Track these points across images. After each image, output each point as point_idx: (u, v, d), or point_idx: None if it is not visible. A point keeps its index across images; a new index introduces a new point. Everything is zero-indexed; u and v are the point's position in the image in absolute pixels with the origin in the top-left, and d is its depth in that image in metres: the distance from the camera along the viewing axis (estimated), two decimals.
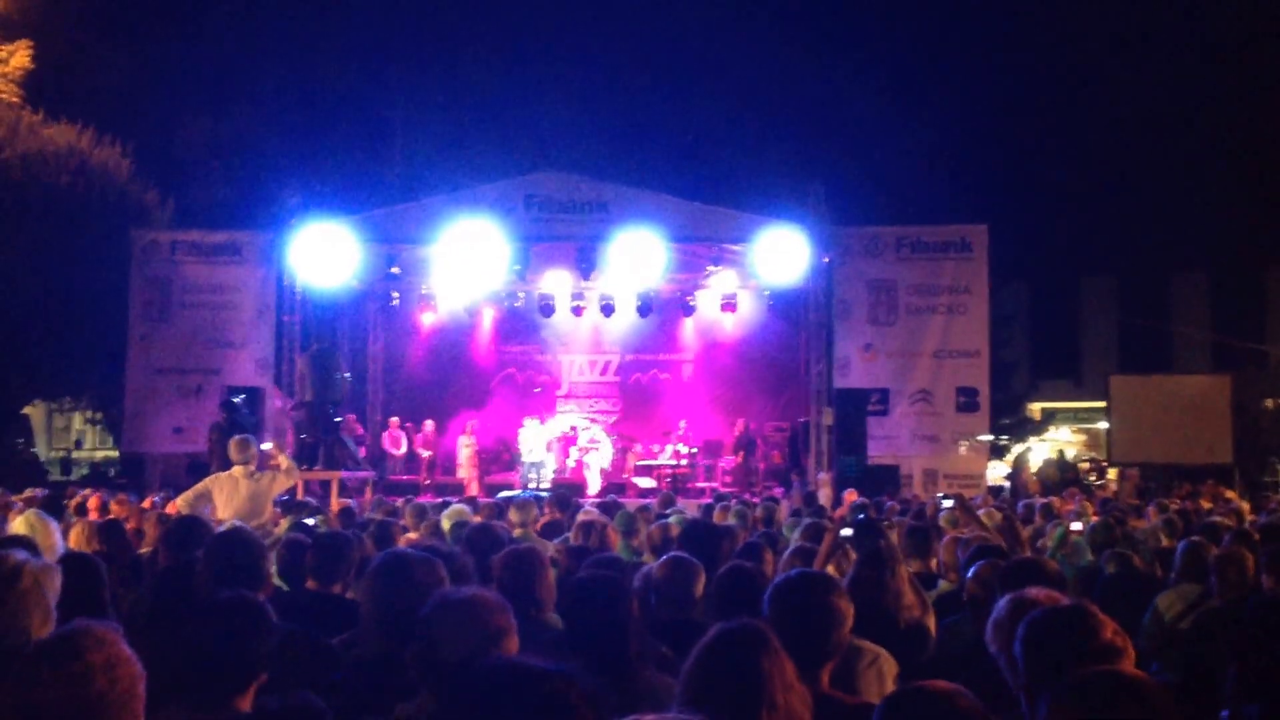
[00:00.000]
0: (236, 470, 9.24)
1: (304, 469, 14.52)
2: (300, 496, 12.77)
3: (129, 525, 9.22)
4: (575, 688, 2.03)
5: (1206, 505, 14.51)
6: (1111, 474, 25.81)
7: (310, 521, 7.91)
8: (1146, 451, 22.55)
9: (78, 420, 36.42)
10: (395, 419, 22.68)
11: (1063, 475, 24.01)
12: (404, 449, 22.36)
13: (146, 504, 12.05)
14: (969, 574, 5.12)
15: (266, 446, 13.50)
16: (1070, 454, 35.03)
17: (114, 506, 10.55)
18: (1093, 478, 25.87)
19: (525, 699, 1.99)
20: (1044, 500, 14.58)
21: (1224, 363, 31.91)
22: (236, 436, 9.86)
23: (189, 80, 28.75)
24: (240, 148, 28.62)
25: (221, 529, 6.70)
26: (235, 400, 16.82)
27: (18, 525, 7.07)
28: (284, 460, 9.92)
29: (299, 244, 19.03)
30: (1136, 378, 25.95)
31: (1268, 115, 36.63)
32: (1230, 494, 17.77)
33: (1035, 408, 38.85)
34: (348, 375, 18.59)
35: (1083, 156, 40.72)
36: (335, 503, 13.30)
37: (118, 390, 20.93)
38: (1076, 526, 8.98)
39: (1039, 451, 35.67)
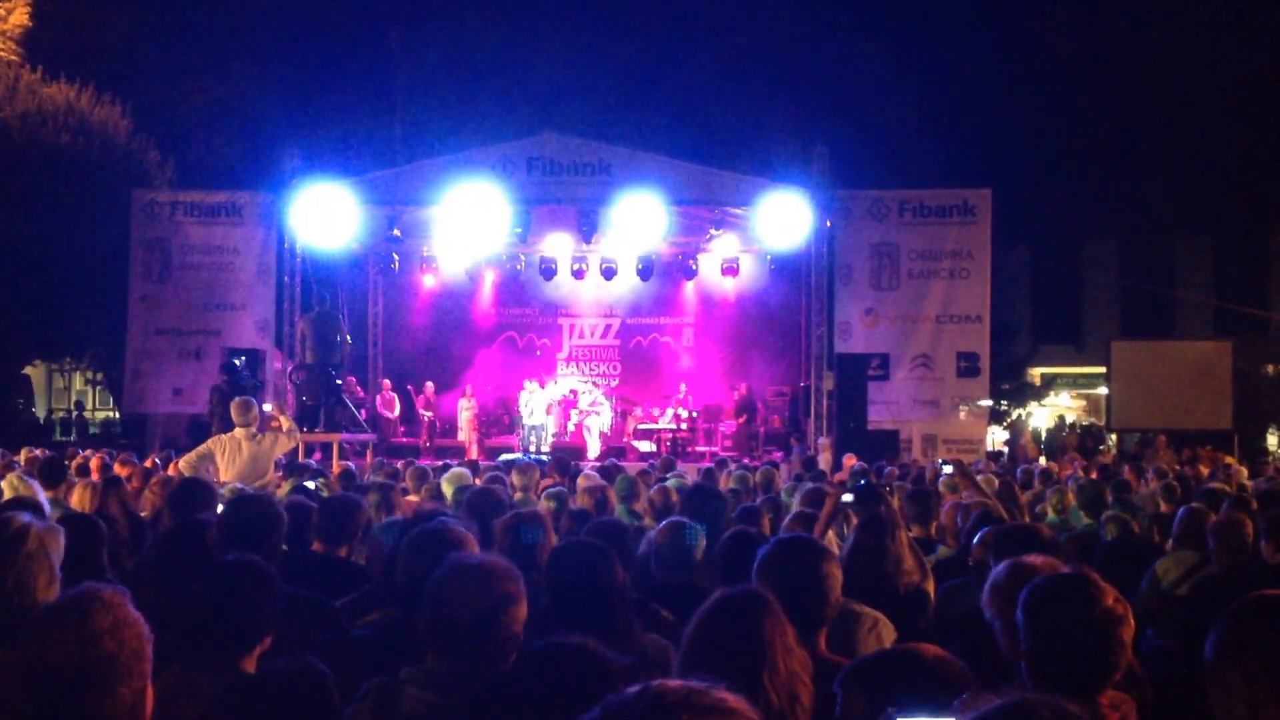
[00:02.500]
0: (238, 432, 9.27)
1: (305, 431, 14.57)
2: (301, 459, 12.84)
3: (132, 486, 9.26)
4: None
5: (1205, 471, 14.56)
6: (1112, 439, 25.89)
7: (311, 484, 7.93)
8: (1147, 417, 22.56)
9: (78, 381, 36.47)
10: (388, 381, 22.70)
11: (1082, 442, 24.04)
12: (397, 412, 22.36)
13: (147, 464, 12.09)
14: (974, 540, 5.15)
15: (268, 408, 13.54)
16: (1070, 419, 35.14)
17: (117, 467, 10.57)
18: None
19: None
20: (1043, 465, 14.65)
21: (1226, 328, 31.88)
22: (238, 398, 9.89)
23: (190, 39, 28.58)
24: (241, 108, 28.49)
25: (226, 492, 6.74)
26: (236, 362, 16.84)
27: (3, 487, 7.11)
28: (285, 422, 9.93)
29: (299, 205, 18.97)
30: (1137, 343, 25.91)
31: (1274, 80, 36.44)
32: (1230, 460, 17.80)
33: (1035, 373, 38.83)
34: (348, 338, 18.59)
35: (1086, 120, 40.52)
36: (336, 465, 13.35)
37: (118, 351, 20.97)
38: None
39: (1039, 417, 35.77)
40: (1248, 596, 2.49)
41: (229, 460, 9.12)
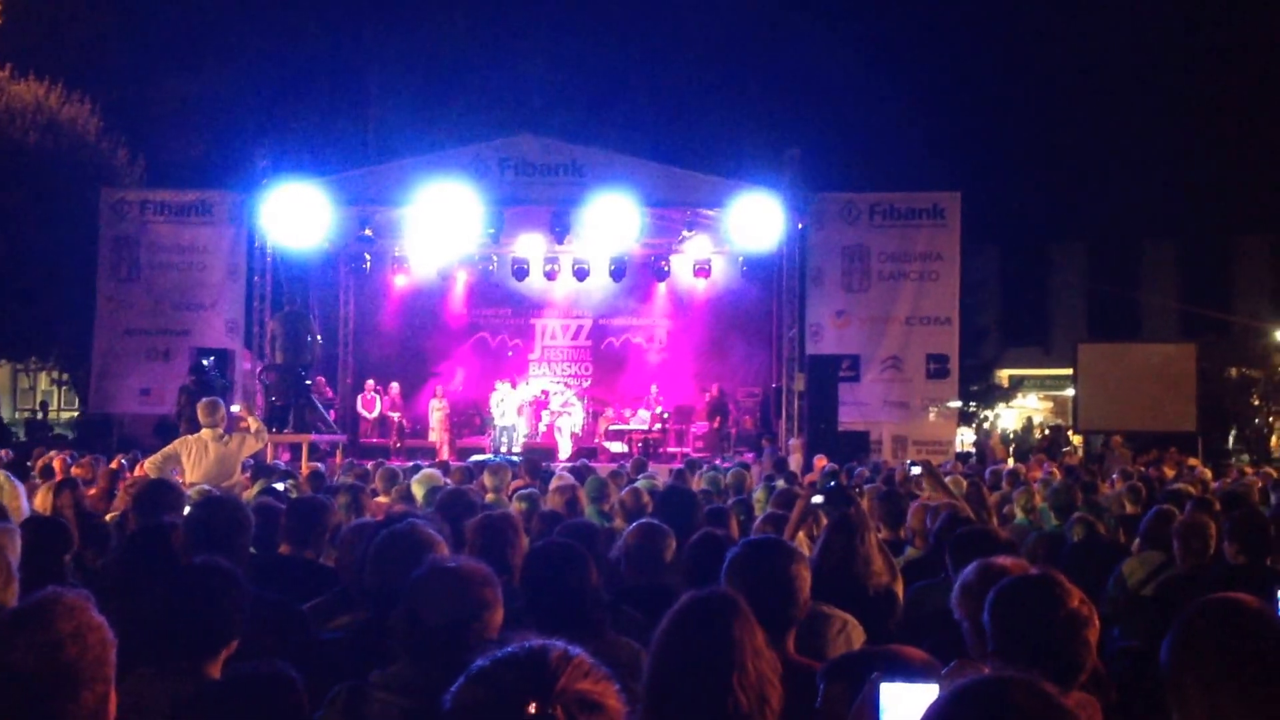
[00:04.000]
0: (205, 433, 9.20)
1: (274, 432, 14.50)
2: (270, 460, 12.77)
3: (96, 487, 9.20)
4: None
5: (1170, 473, 14.68)
6: (1077, 440, 26.06)
7: (280, 485, 7.89)
8: (1113, 419, 22.71)
9: (44, 381, 36.13)
10: (371, 381, 22.60)
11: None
12: (376, 412, 22.29)
13: (113, 465, 12.00)
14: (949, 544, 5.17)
15: (236, 409, 13.46)
16: (1037, 420, 35.37)
17: (77, 469, 10.49)
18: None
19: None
20: (1011, 467, 14.73)
21: (1190, 331, 32.16)
22: (205, 399, 9.82)
23: (160, 37, 28.44)
24: (212, 107, 28.36)
25: (193, 494, 6.70)
26: (204, 362, 16.73)
27: None
28: (253, 423, 9.87)
29: (270, 205, 18.88)
30: (1104, 345, 26.09)
31: (1238, 86, 36.82)
32: (1194, 461, 17.95)
33: (1004, 374, 39.05)
34: (319, 338, 18.50)
35: (1055, 126, 40.83)
36: (305, 466, 13.28)
37: (85, 351, 20.79)
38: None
39: (1006, 418, 35.99)
40: (1202, 600, 2.51)
41: (195, 461, 9.05)
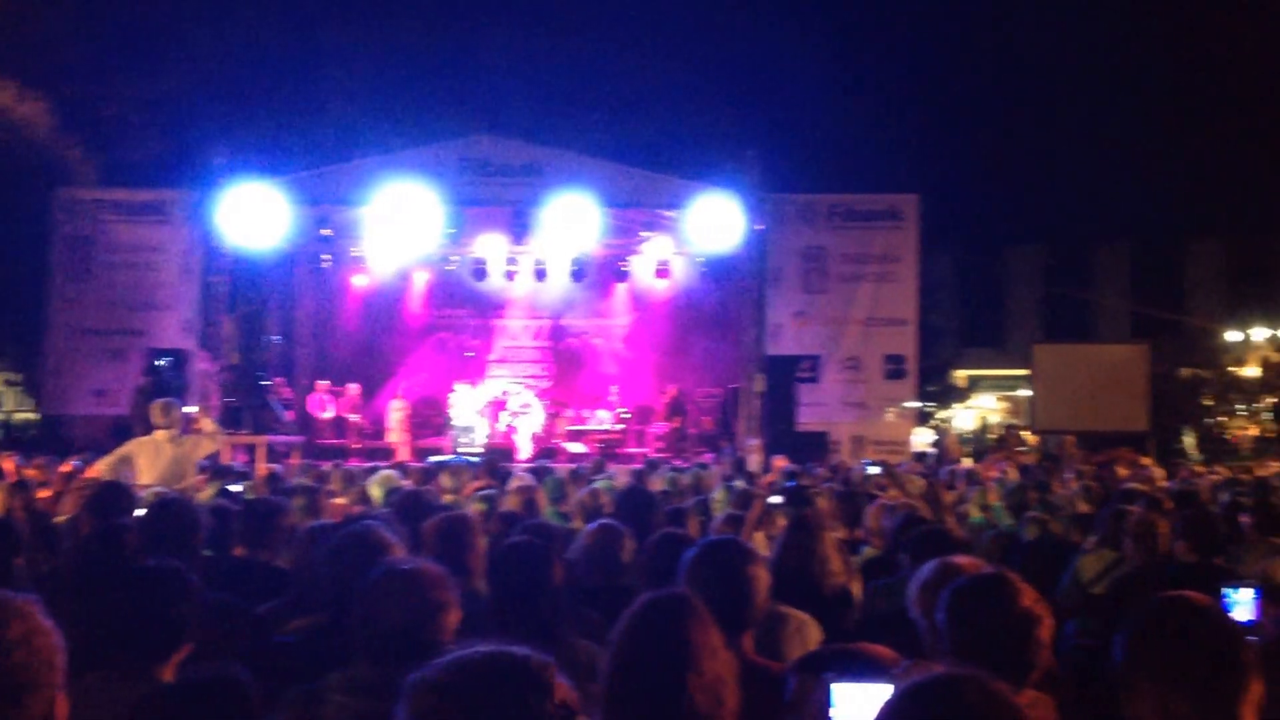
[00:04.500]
0: (159, 434, 9.12)
1: (230, 433, 14.41)
2: (226, 461, 12.67)
3: (48, 490, 9.08)
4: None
5: (1123, 472, 14.82)
6: (1031, 440, 26.26)
7: (236, 487, 7.83)
8: (1067, 419, 22.89)
9: None
10: (324, 382, 22.44)
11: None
12: (330, 413, 22.14)
13: (66, 468, 11.85)
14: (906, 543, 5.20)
15: (191, 410, 13.34)
16: (994, 421, 35.65)
17: (30, 470, 10.35)
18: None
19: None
20: (968, 466, 14.84)
21: (1143, 332, 32.52)
22: (160, 399, 9.73)
23: (115, 34, 28.08)
24: (167, 105, 28.05)
25: (147, 495, 6.63)
26: (160, 362, 16.61)
27: None
28: (208, 424, 9.79)
29: (227, 204, 18.71)
30: (1058, 346, 26.34)
31: (1191, 91, 37.27)
32: (1146, 460, 18.13)
33: (961, 375, 39.33)
34: (276, 338, 18.38)
35: (1011, 129, 41.13)
36: (262, 467, 13.18)
37: (38, 351, 20.55)
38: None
39: (963, 418, 36.25)
40: (1153, 599, 2.54)
41: (150, 463, 8.96)
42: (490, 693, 1.84)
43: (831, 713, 2.20)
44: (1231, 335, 33.96)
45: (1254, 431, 32.06)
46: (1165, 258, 38.57)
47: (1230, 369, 33.21)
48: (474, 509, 7.11)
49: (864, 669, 2.51)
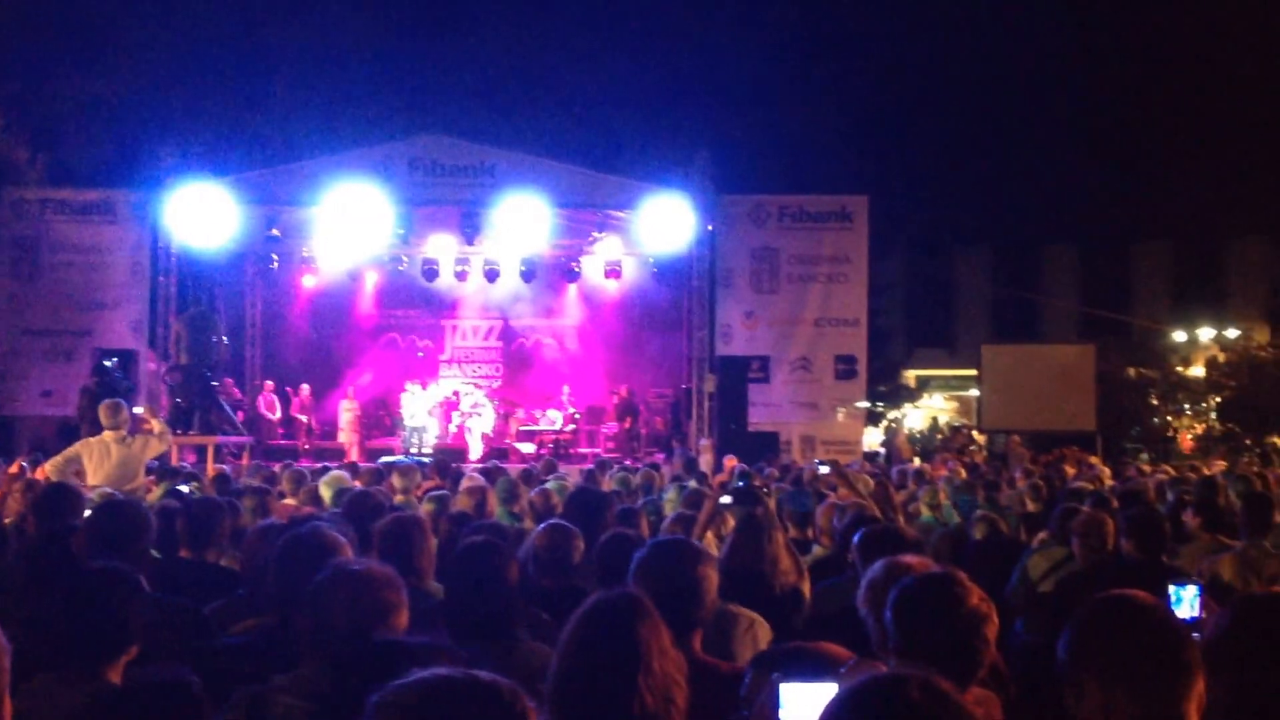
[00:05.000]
0: (107, 435, 9.03)
1: (179, 434, 14.28)
2: (175, 462, 12.55)
3: None
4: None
5: (1071, 471, 14.98)
6: (980, 439, 26.51)
7: (185, 488, 7.76)
8: (1015, 419, 23.12)
9: None
10: (271, 383, 22.29)
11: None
12: (280, 413, 22.00)
13: (13, 469, 11.69)
14: (854, 541, 5.23)
15: (139, 410, 13.20)
16: (943, 420, 35.95)
17: None
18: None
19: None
20: (917, 465, 14.96)
21: (1089, 332, 32.93)
22: (107, 400, 9.64)
23: (61, 32, 27.72)
24: (114, 104, 27.68)
25: (94, 496, 6.56)
26: (107, 363, 16.40)
27: None
28: (157, 424, 9.70)
29: (175, 204, 18.55)
30: (1006, 346, 26.56)
31: (1138, 95, 37.75)
32: (1094, 459, 18.34)
33: (910, 375, 39.67)
34: (225, 338, 18.22)
35: (960, 132, 41.53)
36: (211, 468, 13.07)
37: None
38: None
39: (913, 418, 36.53)
40: (1097, 597, 2.58)
41: (97, 464, 8.88)
42: None
43: (780, 713, 2.21)
44: (1177, 336, 34.43)
45: (1200, 430, 32.53)
46: (1112, 259, 39.11)
47: (1176, 369, 33.68)
48: (424, 509, 7.09)
49: (816, 668, 2.52)
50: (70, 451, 9.04)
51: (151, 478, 9.74)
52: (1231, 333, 33.35)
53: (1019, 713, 3.42)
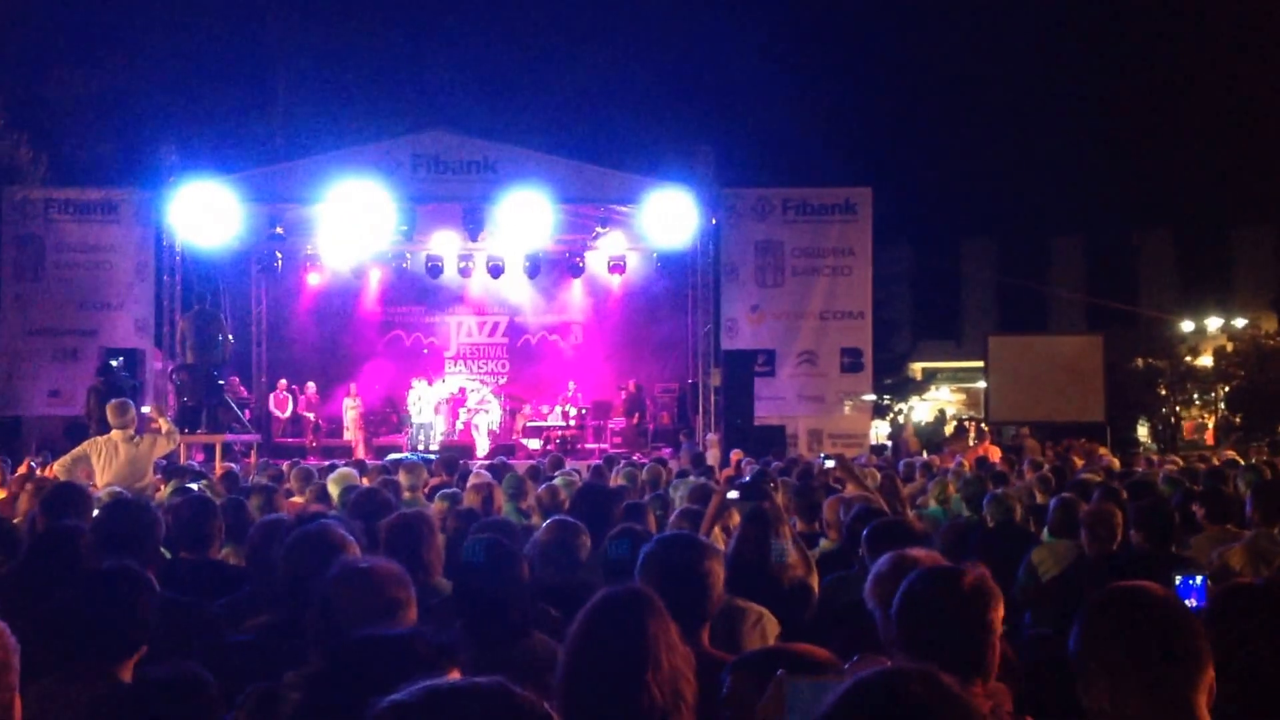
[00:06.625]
0: (115, 434, 9.06)
1: (186, 433, 14.28)
2: (183, 460, 12.57)
3: (3, 490, 8.98)
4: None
5: (1079, 462, 14.95)
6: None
7: (193, 487, 7.77)
8: (1023, 410, 23.06)
9: None
10: (279, 381, 22.33)
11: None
12: (287, 411, 22.04)
13: (21, 469, 11.72)
14: (862, 535, 5.21)
15: (146, 409, 13.22)
16: (950, 413, 35.90)
17: None
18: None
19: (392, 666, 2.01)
20: (924, 458, 14.93)
21: (1097, 323, 32.88)
22: (115, 399, 9.67)
23: (62, 31, 27.75)
24: (117, 103, 27.71)
25: (103, 495, 6.57)
26: (114, 362, 16.43)
27: None
28: (164, 424, 9.73)
29: (179, 203, 18.59)
30: (1013, 337, 26.48)
31: (1143, 84, 37.67)
32: (1103, 450, 18.29)
33: (917, 367, 39.62)
34: (231, 337, 18.24)
35: (965, 122, 41.46)
36: (219, 467, 13.09)
37: None
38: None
39: (920, 411, 36.48)
40: (1107, 588, 2.57)
41: (105, 463, 8.90)
42: None
43: (787, 710, 2.21)
44: (1185, 325, 34.35)
45: (1209, 420, 32.47)
46: (1119, 249, 38.99)
47: (1185, 359, 33.61)
48: (436, 507, 7.10)
49: (801, 670, 2.52)
50: (78, 451, 9.07)
51: (159, 476, 9.76)
52: (1239, 322, 33.26)
53: (1028, 704, 3.42)
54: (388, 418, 22.54)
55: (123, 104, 27.83)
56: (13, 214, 19.55)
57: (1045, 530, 7.14)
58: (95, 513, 5.21)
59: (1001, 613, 3.01)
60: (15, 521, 7.37)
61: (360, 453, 20.05)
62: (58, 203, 19.77)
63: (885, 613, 3.29)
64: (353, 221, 18.67)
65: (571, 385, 22.15)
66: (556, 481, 8.01)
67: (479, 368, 23.80)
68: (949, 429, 26.51)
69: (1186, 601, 3.48)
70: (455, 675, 1.99)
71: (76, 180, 22.27)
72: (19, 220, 19.55)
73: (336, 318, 23.63)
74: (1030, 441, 20.46)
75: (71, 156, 25.28)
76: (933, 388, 39.67)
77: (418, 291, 23.40)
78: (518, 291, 23.21)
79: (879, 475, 8.81)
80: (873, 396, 21.21)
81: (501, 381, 23.49)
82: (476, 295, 23.54)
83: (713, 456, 16.20)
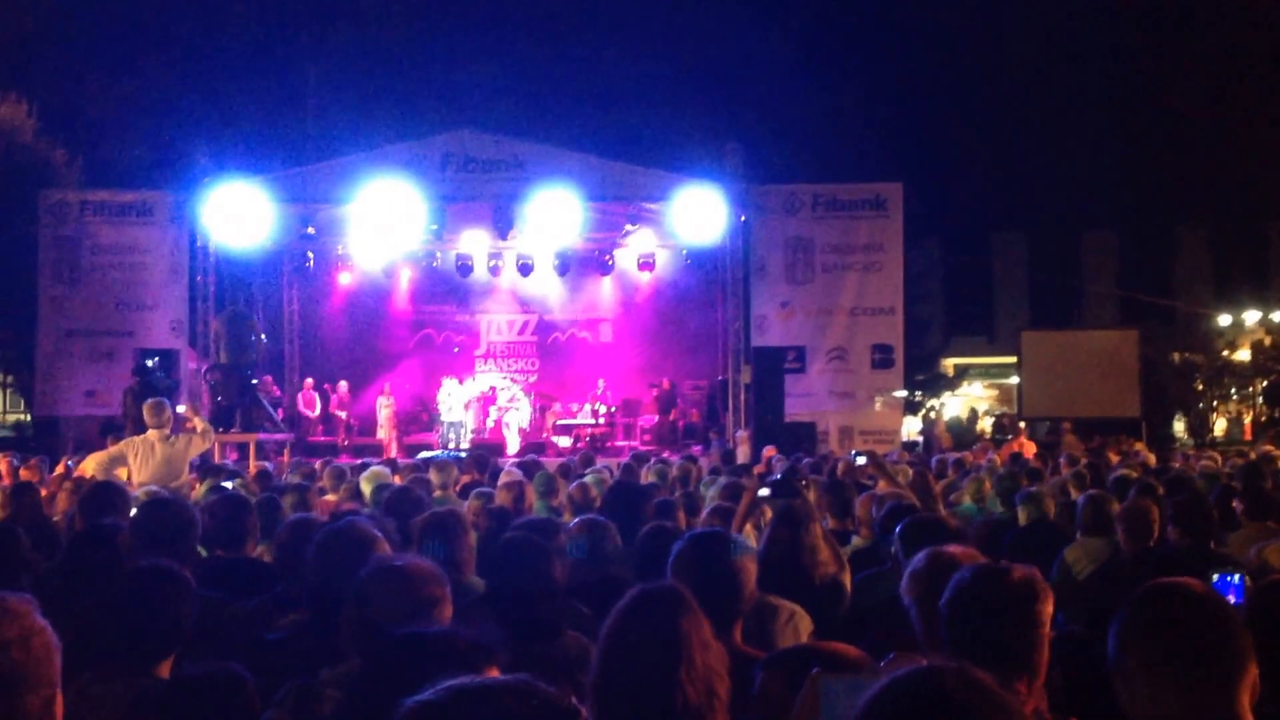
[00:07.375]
0: (151, 434, 9.13)
1: (220, 432, 14.39)
2: (217, 459, 12.67)
3: (43, 490, 9.07)
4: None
5: (1114, 458, 14.85)
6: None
7: (228, 485, 7.82)
8: (1057, 406, 22.92)
9: None
10: (310, 380, 22.47)
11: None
12: (319, 410, 22.18)
13: (59, 468, 11.84)
14: (896, 531, 5.20)
15: (182, 409, 13.34)
16: (982, 409, 35.72)
17: (24, 472, 10.36)
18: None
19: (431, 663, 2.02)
20: (956, 455, 14.86)
21: (1131, 318, 32.59)
22: (150, 399, 9.74)
23: (96, 35, 28.00)
24: (150, 105, 27.99)
25: (140, 494, 6.63)
26: (149, 363, 16.58)
27: None
28: (200, 423, 9.81)
29: (211, 204, 18.72)
30: (1046, 333, 26.31)
31: (1176, 76, 37.36)
32: (1139, 446, 18.16)
33: (949, 363, 39.41)
34: (264, 336, 18.37)
35: (995, 117, 41.21)
36: (253, 465, 13.19)
37: (28, 353, 20.53)
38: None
39: (952, 407, 36.30)
40: (1145, 585, 2.55)
41: (142, 462, 8.98)
42: None
43: (823, 707, 2.21)
44: (1222, 319, 34.01)
45: (1247, 416, 32.17)
46: (1153, 243, 38.65)
47: (1222, 353, 33.29)
48: (470, 505, 7.13)
49: (834, 668, 2.52)
50: (115, 450, 9.16)
51: (194, 475, 9.84)
52: (1277, 316, 32.90)
53: (1064, 703, 3.40)
54: (418, 416, 22.65)
55: (156, 107, 28.09)
56: (48, 217, 19.72)
57: (1078, 530, 7.09)
58: (133, 511, 5.24)
59: (1050, 610, 2.99)
60: (54, 520, 7.46)
61: (392, 451, 20.15)
62: (93, 205, 19.91)
63: (921, 610, 3.27)
64: (383, 221, 18.76)
65: (601, 383, 22.18)
66: (587, 479, 8.02)
67: (509, 366, 23.86)
68: (982, 425, 26.40)
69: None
70: (494, 674, 2.00)
71: (111, 182, 22.52)
72: (55, 223, 19.71)
73: (368, 317, 23.76)
74: (1070, 437, 20.32)
75: (106, 159, 25.58)
76: (965, 384, 39.46)
77: (448, 290, 23.49)
78: (547, 289, 23.27)
79: (911, 472, 8.79)
80: (904, 393, 21.12)
81: (532, 379, 23.54)
82: (506, 293, 23.60)
83: (743, 453, 16.18)
